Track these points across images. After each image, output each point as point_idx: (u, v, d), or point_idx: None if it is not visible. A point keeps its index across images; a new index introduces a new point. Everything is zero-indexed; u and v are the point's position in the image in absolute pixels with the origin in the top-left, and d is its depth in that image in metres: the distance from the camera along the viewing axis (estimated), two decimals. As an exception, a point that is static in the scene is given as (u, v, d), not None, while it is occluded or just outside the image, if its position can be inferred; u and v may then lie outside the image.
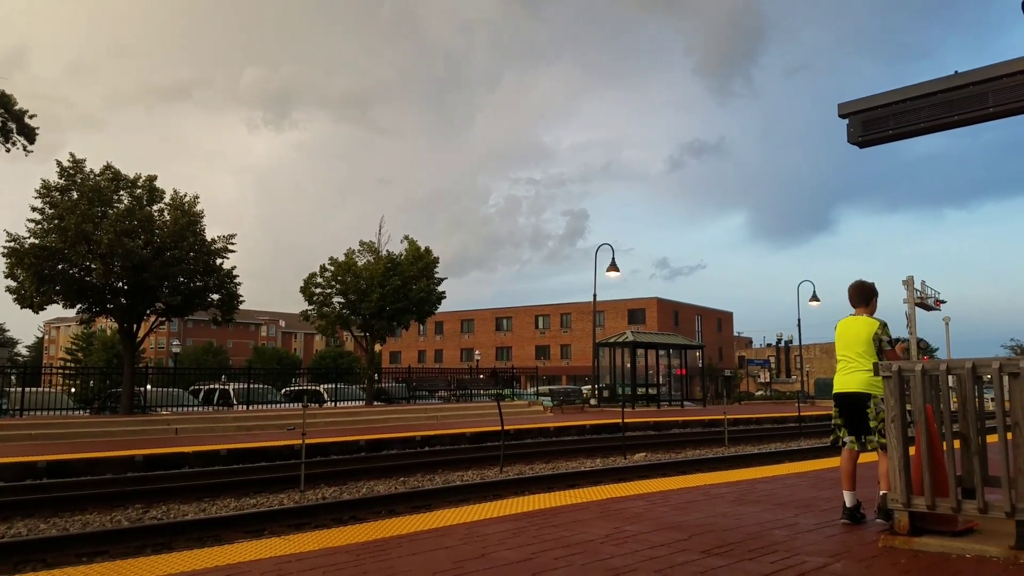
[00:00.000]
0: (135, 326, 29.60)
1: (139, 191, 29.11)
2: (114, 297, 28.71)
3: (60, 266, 27.44)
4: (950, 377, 6.47)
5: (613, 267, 44.21)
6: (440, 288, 39.70)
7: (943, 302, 51.71)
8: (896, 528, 6.47)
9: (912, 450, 6.43)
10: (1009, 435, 5.93)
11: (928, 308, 50.35)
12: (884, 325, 7.36)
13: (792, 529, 7.33)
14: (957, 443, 6.46)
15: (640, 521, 7.86)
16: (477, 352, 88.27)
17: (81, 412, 30.76)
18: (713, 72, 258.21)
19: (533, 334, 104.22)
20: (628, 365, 47.07)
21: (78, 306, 28.90)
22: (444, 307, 42.82)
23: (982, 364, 6.20)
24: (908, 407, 6.51)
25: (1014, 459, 5.85)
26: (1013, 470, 5.85)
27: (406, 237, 40.04)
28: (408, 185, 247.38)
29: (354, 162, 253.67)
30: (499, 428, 19.43)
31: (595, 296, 47.17)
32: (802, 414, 32.78)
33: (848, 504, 7.53)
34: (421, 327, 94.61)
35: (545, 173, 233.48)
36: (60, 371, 39.14)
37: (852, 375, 7.29)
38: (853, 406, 7.37)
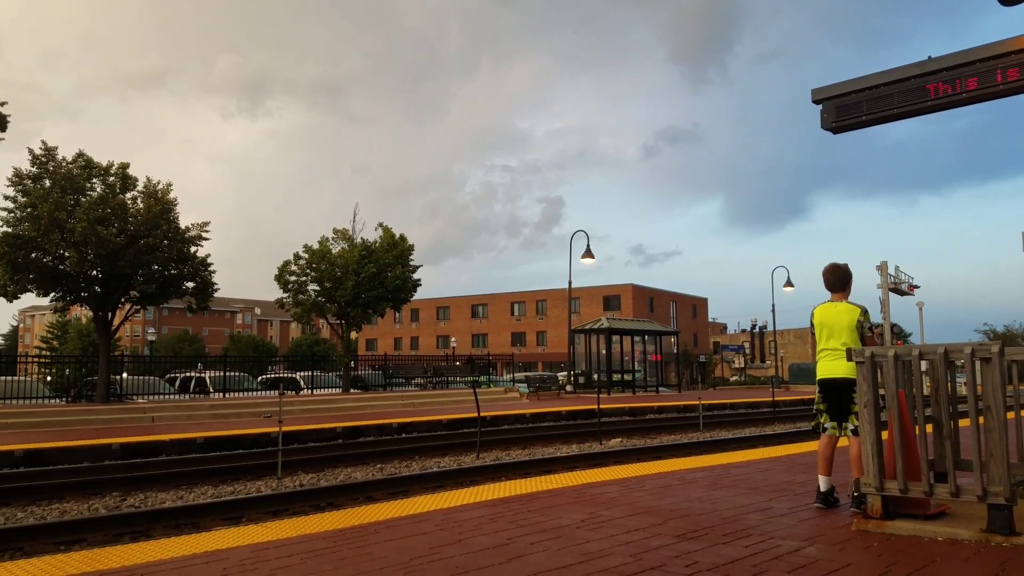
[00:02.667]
0: (110, 314, 29.39)
1: (112, 179, 28.86)
2: (88, 285, 28.50)
3: (33, 254, 27.16)
4: (923, 362, 6.53)
5: (588, 254, 44.28)
6: (416, 275, 39.53)
7: (917, 287, 52.17)
8: (869, 512, 6.52)
9: (885, 435, 6.49)
10: (981, 419, 6.00)
11: (902, 293, 50.78)
12: (865, 311, 7.40)
13: (766, 513, 7.39)
14: (929, 427, 6.53)
15: (615, 506, 7.91)
16: (453, 339, 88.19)
17: (57, 400, 30.53)
18: (687, 59, 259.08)
19: (509, 321, 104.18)
20: (603, 351, 47.13)
21: (52, 294, 28.67)
22: (420, 294, 42.69)
23: (954, 349, 6.26)
24: (881, 392, 6.57)
25: (985, 443, 5.92)
26: (984, 454, 5.92)
27: (380, 224, 39.89)
28: (383, 173, 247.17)
29: (328, 150, 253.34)
30: (475, 415, 19.50)
31: (570, 283, 47.21)
32: (776, 399, 33.01)
33: (823, 488, 7.59)
34: (397, 314, 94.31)
35: (521, 160, 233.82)
36: (36, 359, 38.74)
37: (839, 362, 7.29)
38: (840, 392, 7.42)
